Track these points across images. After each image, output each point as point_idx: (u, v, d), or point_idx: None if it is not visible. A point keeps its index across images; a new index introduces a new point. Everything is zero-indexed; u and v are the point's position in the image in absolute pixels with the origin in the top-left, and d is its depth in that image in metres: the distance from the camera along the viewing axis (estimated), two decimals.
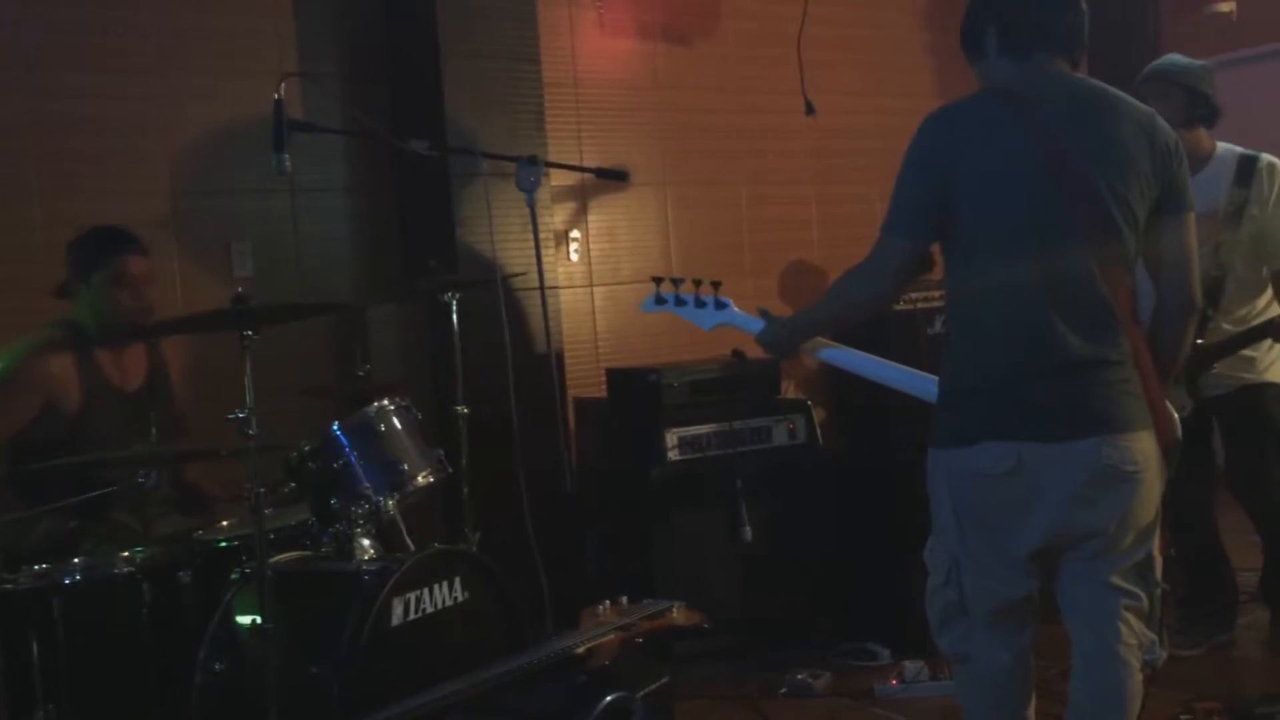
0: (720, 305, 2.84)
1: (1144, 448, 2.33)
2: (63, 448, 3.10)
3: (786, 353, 2.73)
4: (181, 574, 2.93)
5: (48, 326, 3.26)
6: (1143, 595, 2.39)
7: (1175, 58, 3.64)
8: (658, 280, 2.86)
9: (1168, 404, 2.42)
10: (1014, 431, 2.29)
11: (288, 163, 3.24)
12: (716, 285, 2.85)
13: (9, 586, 2.71)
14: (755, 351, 4.25)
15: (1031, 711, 2.55)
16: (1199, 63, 3.61)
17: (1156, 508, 2.39)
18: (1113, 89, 2.43)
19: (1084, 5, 2.45)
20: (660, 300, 2.87)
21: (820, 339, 2.69)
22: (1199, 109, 3.54)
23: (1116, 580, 2.38)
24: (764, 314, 2.71)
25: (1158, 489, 2.38)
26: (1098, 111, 2.36)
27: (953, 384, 2.41)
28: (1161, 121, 2.41)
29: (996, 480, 2.31)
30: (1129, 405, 2.32)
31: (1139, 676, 2.41)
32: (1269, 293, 3.56)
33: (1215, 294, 3.49)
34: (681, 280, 2.83)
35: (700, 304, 2.85)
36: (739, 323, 2.81)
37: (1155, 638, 2.41)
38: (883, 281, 2.42)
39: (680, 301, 2.86)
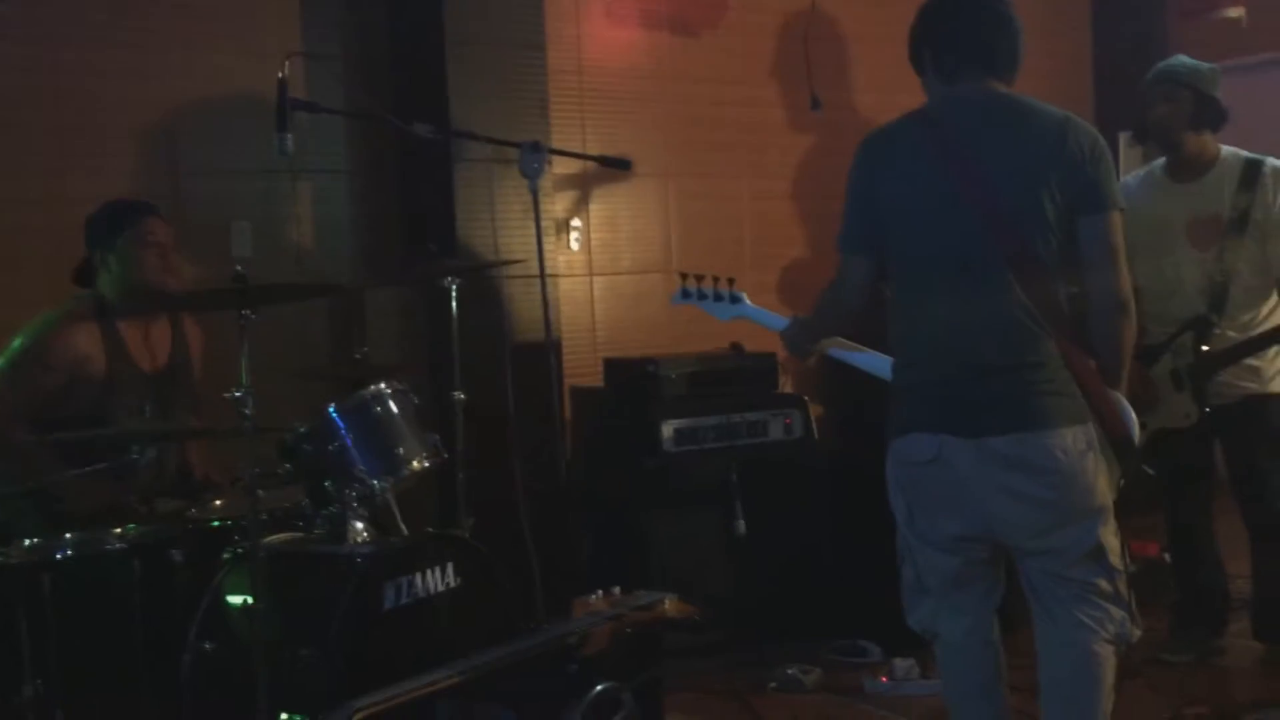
0: (734, 299, 3.08)
1: (1067, 444, 2.44)
2: (90, 424, 3.10)
3: (801, 352, 2.93)
4: (173, 552, 2.91)
5: (71, 300, 3.25)
6: (1099, 580, 2.49)
7: (1183, 59, 3.62)
8: (683, 276, 3.13)
9: (1115, 400, 2.51)
10: (935, 424, 2.50)
11: (290, 143, 3.23)
12: (731, 281, 3.08)
13: None
14: (755, 345, 4.30)
15: (1004, 688, 2.66)
16: (1207, 65, 3.59)
17: (1098, 497, 2.48)
18: (1029, 101, 2.53)
19: (1017, 25, 2.55)
20: (686, 294, 3.12)
21: (839, 339, 2.86)
22: (1206, 112, 3.53)
23: (1067, 572, 2.49)
24: (793, 317, 2.90)
25: (1095, 480, 2.47)
26: (1007, 128, 2.48)
27: (894, 382, 2.64)
28: (1075, 126, 2.48)
29: (923, 467, 2.52)
30: (1049, 404, 2.44)
31: (1105, 648, 2.50)
32: (1274, 299, 3.55)
33: (1220, 300, 3.48)
34: (703, 276, 3.10)
35: (718, 297, 3.09)
36: (752, 315, 3.07)
37: (1124, 614, 2.50)
38: (845, 295, 2.66)
39: (702, 295, 3.11)
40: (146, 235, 3.23)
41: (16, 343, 3.14)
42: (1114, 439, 2.49)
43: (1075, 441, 2.44)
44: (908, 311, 2.58)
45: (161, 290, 3.24)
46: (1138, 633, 2.55)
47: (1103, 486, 2.49)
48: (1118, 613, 2.49)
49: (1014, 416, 2.44)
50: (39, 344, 3.13)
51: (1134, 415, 2.55)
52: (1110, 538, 2.50)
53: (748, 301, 3.09)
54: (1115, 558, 2.49)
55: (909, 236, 2.53)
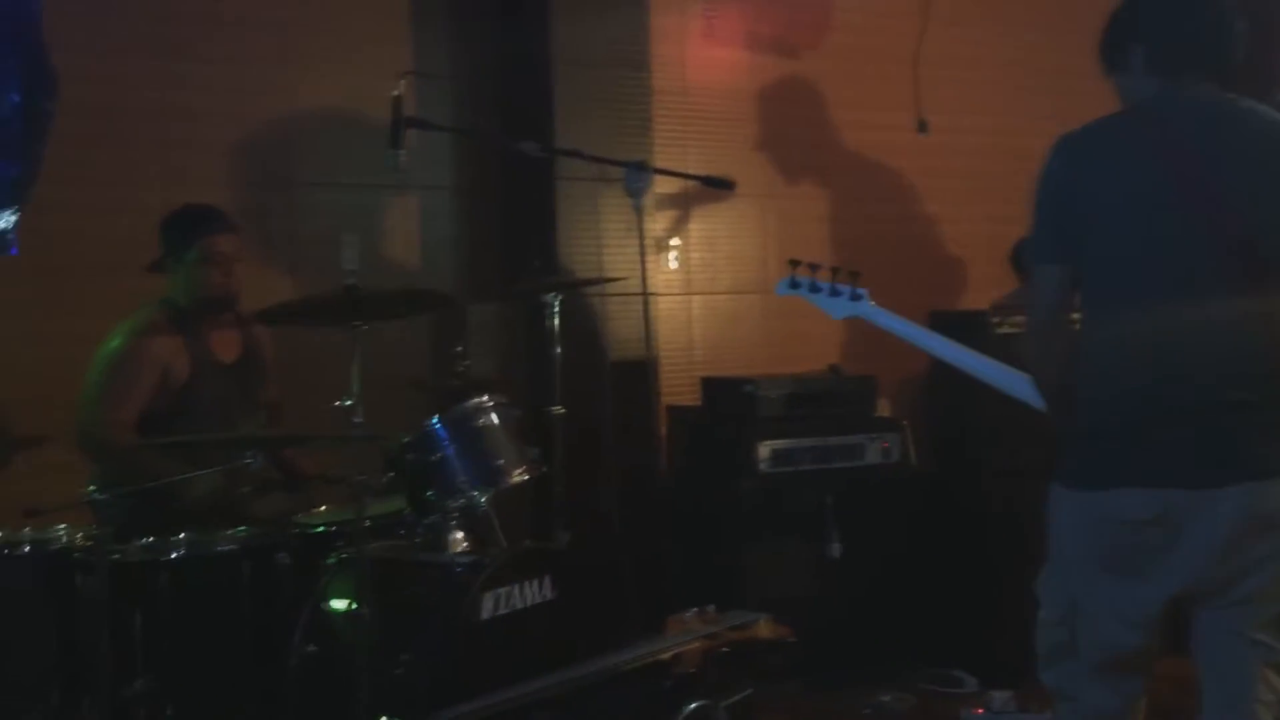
0: (855, 296, 2.74)
1: None
2: (173, 420, 3.22)
3: None
4: (280, 555, 2.99)
5: (147, 306, 3.38)
6: None
7: None
8: (794, 263, 2.74)
9: None
10: (1156, 478, 2.16)
11: (403, 158, 3.31)
12: (854, 275, 2.76)
13: (116, 557, 2.78)
14: (854, 368, 4.26)
15: None
16: None
17: None
18: (1263, 108, 2.28)
19: (1239, 25, 2.33)
20: (795, 284, 2.76)
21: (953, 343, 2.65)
22: None
23: (1255, 634, 2.22)
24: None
25: None
26: (1242, 135, 2.23)
27: (1085, 420, 2.25)
28: None
29: (1135, 528, 2.17)
30: None
31: None
32: None
33: None
34: (818, 265, 2.73)
35: (835, 292, 2.75)
36: (872, 316, 2.72)
37: None
38: (1044, 316, 2.29)
39: (815, 288, 2.75)
40: (212, 252, 3.35)
41: (114, 344, 3.30)
42: None
43: None
44: (1110, 335, 2.23)
45: (225, 302, 3.39)
46: None
47: None
48: None
49: (1245, 462, 2.14)
50: (131, 350, 3.27)
51: None
52: None
53: (869, 301, 2.73)
54: None
55: (1116, 246, 2.21)
